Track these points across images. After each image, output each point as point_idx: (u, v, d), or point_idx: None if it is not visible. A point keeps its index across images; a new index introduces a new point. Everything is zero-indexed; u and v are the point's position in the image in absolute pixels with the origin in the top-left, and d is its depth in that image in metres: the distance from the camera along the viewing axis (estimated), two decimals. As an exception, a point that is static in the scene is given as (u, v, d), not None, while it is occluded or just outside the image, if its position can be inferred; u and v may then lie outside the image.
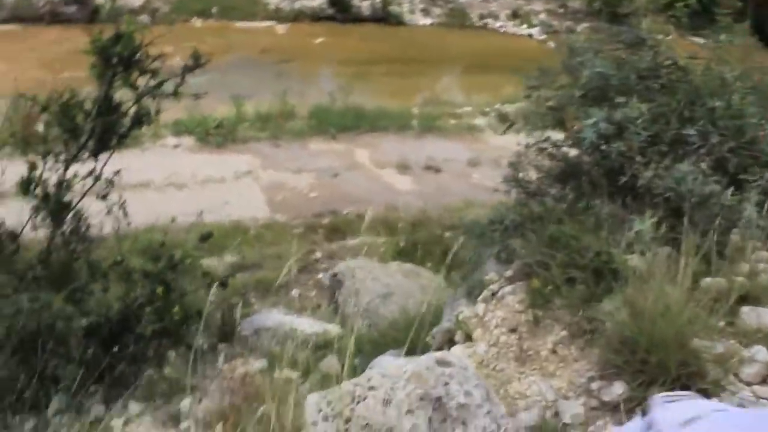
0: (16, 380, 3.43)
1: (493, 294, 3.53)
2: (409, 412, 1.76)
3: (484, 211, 8.14)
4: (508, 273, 3.66)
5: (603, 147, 3.46)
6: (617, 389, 2.43)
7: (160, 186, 9.35)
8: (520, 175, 4.13)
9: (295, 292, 6.86)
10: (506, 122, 4.28)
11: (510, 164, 4.11)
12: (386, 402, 1.80)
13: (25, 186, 3.59)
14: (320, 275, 7.24)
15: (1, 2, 18.12)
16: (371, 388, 1.88)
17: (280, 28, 20.13)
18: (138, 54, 3.43)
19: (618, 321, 2.63)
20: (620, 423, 2.31)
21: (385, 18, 21.10)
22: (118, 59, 3.41)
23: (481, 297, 3.53)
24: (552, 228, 3.33)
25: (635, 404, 2.36)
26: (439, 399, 1.80)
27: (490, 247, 3.86)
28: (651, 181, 3.33)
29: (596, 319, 3.00)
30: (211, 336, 4.54)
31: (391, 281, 5.53)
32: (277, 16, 20.56)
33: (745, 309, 2.77)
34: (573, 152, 4.17)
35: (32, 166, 3.60)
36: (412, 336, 4.29)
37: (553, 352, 3.01)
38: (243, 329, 4.67)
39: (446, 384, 1.83)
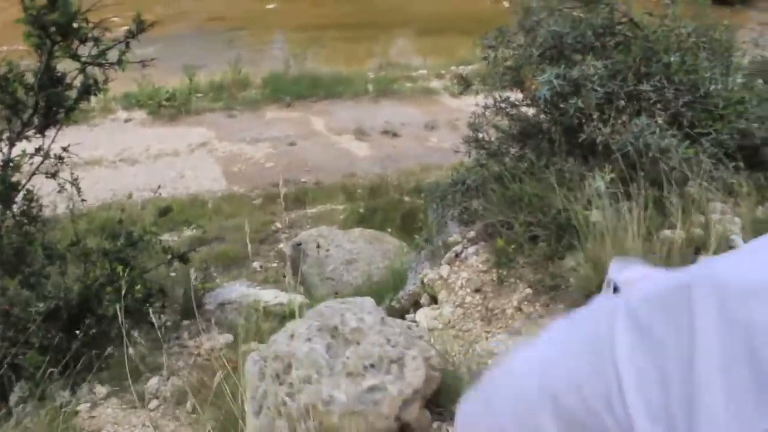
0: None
1: (457, 255, 3.55)
2: (308, 340, 2.13)
3: (444, 174, 8.19)
4: (471, 234, 3.67)
5: (561, 105, 3.46)
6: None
7: (113, 162, 9.12)
8: (480, 135, 4.12)
9: (257, 264, 6.79)
10: (463, 84, 4.24)
11: (469, 125, 4.10)
12: (291, 336, 2.19)
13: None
14: (281, 245, 7.18)
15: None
16: (285, 331, 2.28)
17: (230, -5, 19.68)
18: (76, 21, 3.26)
19: (581, 275, 2.66)
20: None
21: (337, -19, 20.75)
22: (54, 27, 3.24)
23: (444, 259, 3.55)
24: (514, 187, 3.34)
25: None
26: (335, 328, 2.17)
27: (452, 208, 3.87)
28: (609, 137, 3.35)
29: (559, 276, 3.04)
30: (175, 313, 4.47)
31: (354, 247, 5.51)
32: (226, -18, 20.05)
33: (701, 259, 2.83)
34: (531, 112, 4.18)
35: (-26, 147, 3.45)
36: (377, 301, 4.30)
37: (519, 309, 3.04)
38: (206, 304, 4.61)
39: (342, 315, 2.19)
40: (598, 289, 2.05)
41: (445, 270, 3.43)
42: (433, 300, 3.39)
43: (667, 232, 2.92)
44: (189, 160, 9.10)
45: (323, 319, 2.20)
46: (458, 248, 3.55)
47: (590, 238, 2.83)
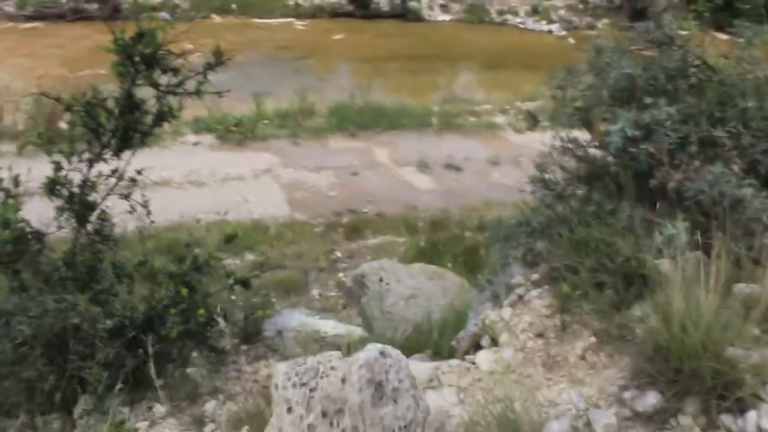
0: (44, 381, 3.44)
1: (520, 297, 3.49)
2: (360, 390, 2.28)
3: (506, 212, 8.11)
4: (535, 276, 3.61)
5: (631, 149, 3.39)
6: (651, 399, 2.38)
7: (181, 184, 9.38)
8: (546, 176, 4.07)
9: (315, 292, 6.84)
10: (531, 120, 4.21)
11: (536, 165, 4.05)
12: (343, 380, 2.32)
13: (51, 186, 3.58)
14: (341, 275, 7.22)
15: (27, 0, 18.30)
16: (332, 368, 2.39)
17: (299, 25, 20.17)
18: (160, 52, 3.40)
19: (649, 328, 2.58)
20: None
21: (403, 14, 21.08)
22: (140, 57, 3.39)
23: (507, 301, 3.49)
24: (580, 231, 3.27)
25: (669, 415, 2.31)
26: (380, 383, 2.33)
27: (516, 249, 3.82)
28: (681, 183, 3.26)
29: (626, 326, 2.95)
30: (234, 337, 4.53)
31: (415, 283, 5.49)
32: (296, 12, 20.62)
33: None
34: (599, 153, 4.11)
35: (57, 167, 3.59)
36: (436, 340, 4.27)
37: (582, 358, 2.96)
38: (266, 330, 4.66)
39: (386, 372, 2.35)
40: (667, 342, 1.99)
41: (507, 312, 3.37)
42: (494, 342, 3.33)
43: (742, 286, 2.81)
44: (253, 185, 9.28)
45: (372, 372, 2.35)
46: (521, 291, 3.49)
47: (660, 288, 2.74)
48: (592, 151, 4.14)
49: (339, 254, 7.70)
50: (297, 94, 11.88)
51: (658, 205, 3.49)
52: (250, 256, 7.52)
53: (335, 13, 20.87)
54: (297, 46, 18.14)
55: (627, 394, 2.49)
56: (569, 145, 4.14)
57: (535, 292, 3.47)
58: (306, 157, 10.15)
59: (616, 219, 3.39)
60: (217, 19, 19.54)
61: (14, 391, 3.28)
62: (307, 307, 6.04)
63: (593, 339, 2.98)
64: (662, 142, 3.32)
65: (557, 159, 4.26)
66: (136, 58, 3.37)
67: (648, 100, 3.58)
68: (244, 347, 4.47)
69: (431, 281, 5.54)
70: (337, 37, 19.35)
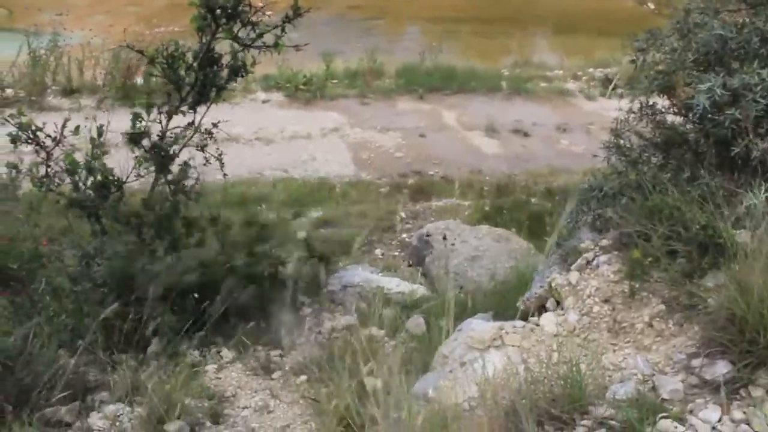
0: (123, 320, 3.61)
1: (588, 262, 3.44)
2: None
3: (574, 178, 7.96)
4: (604, 242, 3.55)
5: (714, 116, 3.27)
6: (721, 368, 2.33)
7: (249, 140, 9.53)
8: (621, 141, 3.97)
9: (379, 251, 6.91)
10: (608, 85, 4.11)
11: (611, 130, 3.96)
12: None
13: (134, 137, 3.72)
14: (404, 235, 7.27)
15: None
16: None
17: (370, -16, 20.03)
18: (241, 5, 3.46)
19: (724, 297, 2.52)
20: (722, 404, 2.23)
21: (477, -25, 20.62)
22: (221, 10, 3.45)
23: (575, 265, 3.45)
24: (655, 198, 3.20)
25: (740, 385, 2.27)
26: None
27: (586, 214, 3.76)
28: (765, 153, 3.14)
29: (697, 295, 2.89)
30: (299, 290, 4.64)
31: (480, 244, 5.48)
32: (368, -29, 20.43)
33: None
34: (678, 120, 3.99)
35: (136, 117, 3.72)
36: (500, 300, 4.27)
37: (649, 325, 2.92)
38: (330, 285, 4.75)
39: None
40: (743, 313, 1.95)
41: (574, 276, 3.34)
42: (559, 305, 3.31)
43: (825, 261, 2.70)
44: (321, 143, 9.37)
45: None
46: (590, 255, 3.44)
47: (737, 259, 2.67)
48: (671, 117, 4.02)
49: (403, 215, 7.73)
50: (366, 54, 11.85)
51: (738, 175, 3.38)
52: (314, 213, 7.63)
53: (407, -27, 20.61)
54: (367, 6, 18.04)
55: (695, 362, 2.45)
56: (647, 111, 4.03)
57: (603, 258, 3.41)
58: (374, 117, 10.16)
59: (693, 187, 3.29)
60: (288, -23, 19.59)
61: (94, 329, 3.46)
62: (370, 265, 6.11)
63: (662, 306, 2.93)
64: (749, 108, 3.19)
65: (633, 125, 4.15)
66: (218, 12, 3.43)
67: (735, 64, 3.44)
68: (308, 300, 4.59)
69: (497, 243, 5.52)
70: (408, -3, 19.15)
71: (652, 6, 20.07)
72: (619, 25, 17.07)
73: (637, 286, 3.13)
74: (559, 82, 12.19)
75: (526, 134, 9.89)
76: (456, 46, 14.79)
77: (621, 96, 4.23)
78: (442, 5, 18.50)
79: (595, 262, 3.42)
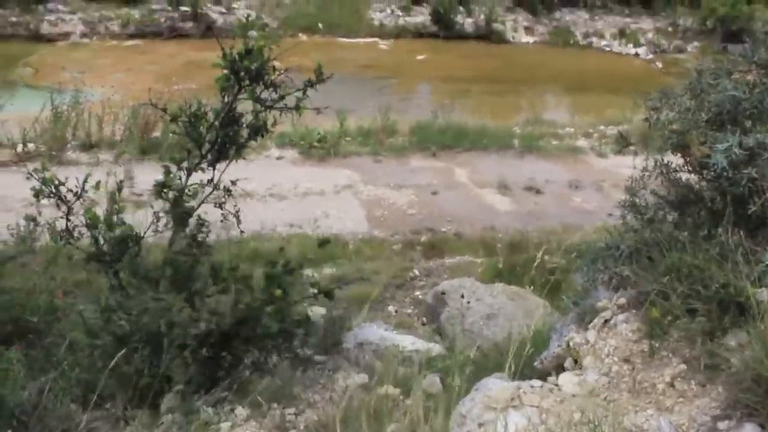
0: (139, 375, 3.60)
1: (606, 321, 3.42)
2: None
3: (587, 236, 7.95)
4: (622, 300, 3.53)
5: (730, 174, 3.29)
6: (748, 431, 2.29)
7: (263, 196, 9.62)
8: (636, 200, 3.99)
9: (392, 308, 6.88)
10: (622, 142, 4.15)
11: (626, 188, 3.98)
12: None
13: (159, 190, 3.78)
14: (417, 292, 7.25)
15: (129, 19, 19.42)
16: None
17: (383, 45, 20.51)
18: (265, 68, 3.56)
19: (748, 357, 2.49)
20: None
21: (487, 36, 21.12)
22: (245, 72, 3.55)
23: (592, 324, 3.43)
24: (673, 256, 3.19)
25: (768, 448, 2.23)
26: None
27: (603, 272, 3.75)
28: (783, 211, 3.14)
29: (719, 354, 2.85)
30: (314, 346, 4.62)
31: (496, 302, 5.46)
32: (380, 32, 20.98)
33: None
34: (693, 178, 4.01)
35: (167, 171, 3.79)
36: (517, 360, 4.22)
37: (671, 385, 2.88)
38: (345, 342, 4.72)
39: None
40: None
41: (592, 335, 3.31)
42: (578, 365, 3.28)
43: None
44: (334, 200, 9.44)
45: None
46: (607, 314, 3.42)
47: (759, 318, 2.65)
48: (686, 175, 4.04)
49: (416, 272, 7.72)
50: (379, 112, 12.04)
51: (756, 233, 3.38)
52: (327, 270, 7.63)
53: (419, 34, 21.12)
54: (380, 66, 18.43)
55: (721, 425, 2.41)
56: (662, 169, 4.05)
57: (621, 316, 3.39)
58: (387, 174, 10.26)
59: (711, 245, 3.29)
60: (303, 38, 20.09)
61: (110, 383, 3.44)
62: (383, 323, 6.08)
63: (683, 366, 2.89)
64: (765, 167, 3.21)
65: (648, 183, 4.18)
66: (242, 73, 3.53)
67: (749, 124, 3.48)
68: (323, 357, 4.55)
69: (512, 301, 5.49)
70: (421, 57, 19.55)
71: (660, 65, 20.39)
72: (628, 84, 17.36)
73: (656, 345, 3.10)
74: (570, 139, 12.31)
75: (538, 191, 9.94)
76: (467, 105, 15.01)
77: (635, 153, 4.27)
78: (452, 65, 18.86)
79: (613, 321, 3.40)
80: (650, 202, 4.15)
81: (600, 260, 3.75)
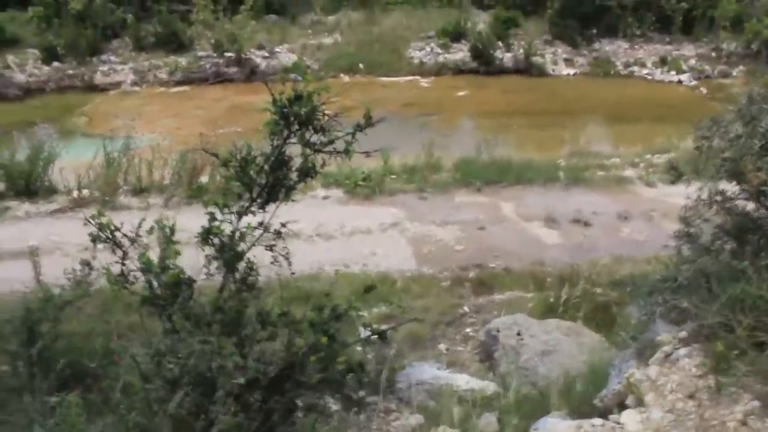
0: (194, 418, 3.60)
1: (667, 356, 3.32)
2: None
3: (638, 268, 7.77)
4: (683, 334, 3.43)
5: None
6: (829, 472, 2.17)
7: (310, 236, 9.67)
8: (692, 230, 3.90)
9: (442, 347, 6.80)
10: (674, 172, 4.08)
11: (680, 218, 3.90)
12: None
13: (205, 235, 3.83)
14: (468, 329, 7.15)
15: (177, 67, 20.07)
16: None
17: (424, 82, 20.67)
18: (315, 113, 3.61)
19: (823, 393, 2.38)
20: None
21: (527, 69, 21.13)
22: (295, 117, 3.61)
23: (653, 359, 3.33)
24: (736, 287, 3.10)
25: None
26: None
27: (660, 305, 3.66)
28: None
29: (791, 390, 2.74)
30: (367, 387, 4.57)
31: (550, 338, 5.35)
32: (421, 70, 21.18)
33: None
34: (750, 206, 3.91)
35: (212, 217, 3.84)
36: (576, 398, 4.12)
37: (743, 423, 2.77)
38: (398, 382, 4.67)
39: None
40: None
41: (653, 371, 3.22)
42: (640, 402, 3.18)
43: None
44: (381, 238, 9.44)
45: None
46: (668, 348, 3.33)
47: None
48: (742, 203, 3.94)
49: (466, 309, 7.63)
50: (423, 148, 12.08)
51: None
52: (376, 309, 7.59)
53: (459, 70, 21.25)
54: (422, 103, 18.56)
55: (800, 465, 2.29)
56: (717, 198, 3.96)
57: (683, 351, 3.29)
58: (432, 211, 10.24)
59: (774, 275, 3.18)
60: (345, 78, 20.41)
61: (165, 427, 3.45)
62: (435, 361, 6.00)
63: (756, 403, 2.78)
64: (826, 193, 3.11)
65: (702, 212, 4.08)
66: (292, 118, 3.58)
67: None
68: (377, 398, 4.50)
69: (567, 337, 5.37)
70: (461, 93, 19.64)
71: (704, 91, 20.05)
72: (673, 111, 17.11)
73: (723, 380, 2.99)
74: (616, 170, 12.12)
75: (586, 224, 9.78)
76: (510, 139, 14.97)
77: (688, 182, 4.19)
78: (493, 100, 18.89)
79: (674, 356, 3.30)
80: (706, 231, 4.05)
81: (656, 292, 3.66)
